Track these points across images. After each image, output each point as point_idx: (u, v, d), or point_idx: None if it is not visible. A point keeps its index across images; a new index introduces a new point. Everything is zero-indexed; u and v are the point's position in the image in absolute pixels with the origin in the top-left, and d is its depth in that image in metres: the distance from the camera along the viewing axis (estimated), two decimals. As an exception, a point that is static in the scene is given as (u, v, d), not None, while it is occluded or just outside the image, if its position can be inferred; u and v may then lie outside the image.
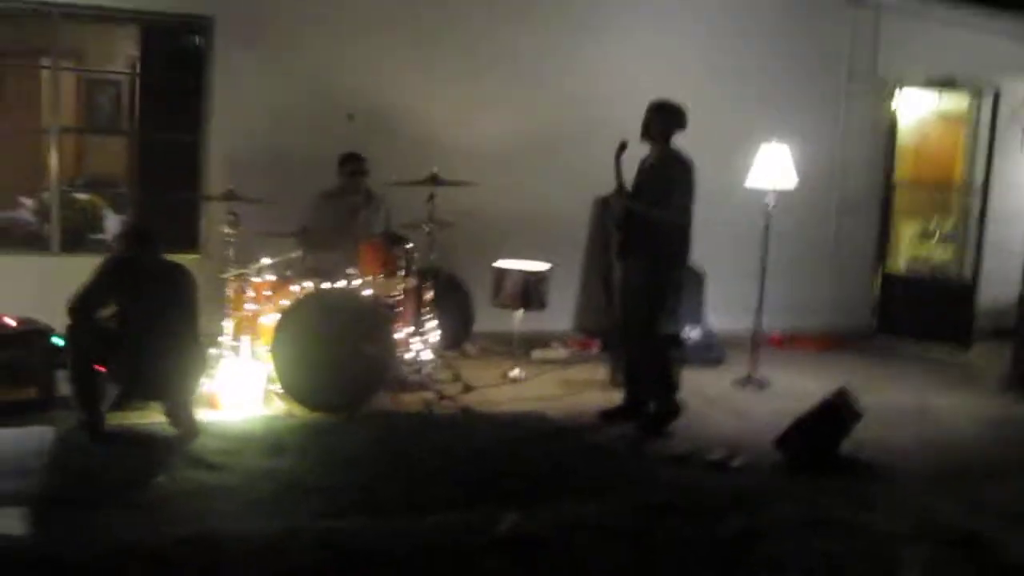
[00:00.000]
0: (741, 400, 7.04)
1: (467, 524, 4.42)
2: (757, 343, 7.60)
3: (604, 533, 4.43)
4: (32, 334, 5.88)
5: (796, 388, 7.19)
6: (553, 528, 4.41)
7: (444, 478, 5.14)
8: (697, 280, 8.42)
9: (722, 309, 8.44)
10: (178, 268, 5.63)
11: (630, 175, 6.17)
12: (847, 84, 9.38)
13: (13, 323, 5.93)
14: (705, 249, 8.02)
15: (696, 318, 8.36)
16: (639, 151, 6.18)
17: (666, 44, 8.64)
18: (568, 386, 7.18)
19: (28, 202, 8.38)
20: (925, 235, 10.14)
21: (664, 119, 6.12)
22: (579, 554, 4.23)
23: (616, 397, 6.50)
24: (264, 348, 6.15)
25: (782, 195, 7.51)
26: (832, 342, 9.18)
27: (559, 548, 4.26)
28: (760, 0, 8.98)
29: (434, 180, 6.70)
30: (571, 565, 4.16)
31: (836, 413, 5.79)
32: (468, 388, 6.80)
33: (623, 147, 6.07)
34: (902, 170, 9.79)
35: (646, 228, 6.04)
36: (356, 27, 7.84)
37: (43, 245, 7.57)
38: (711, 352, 8.19)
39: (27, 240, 7.84)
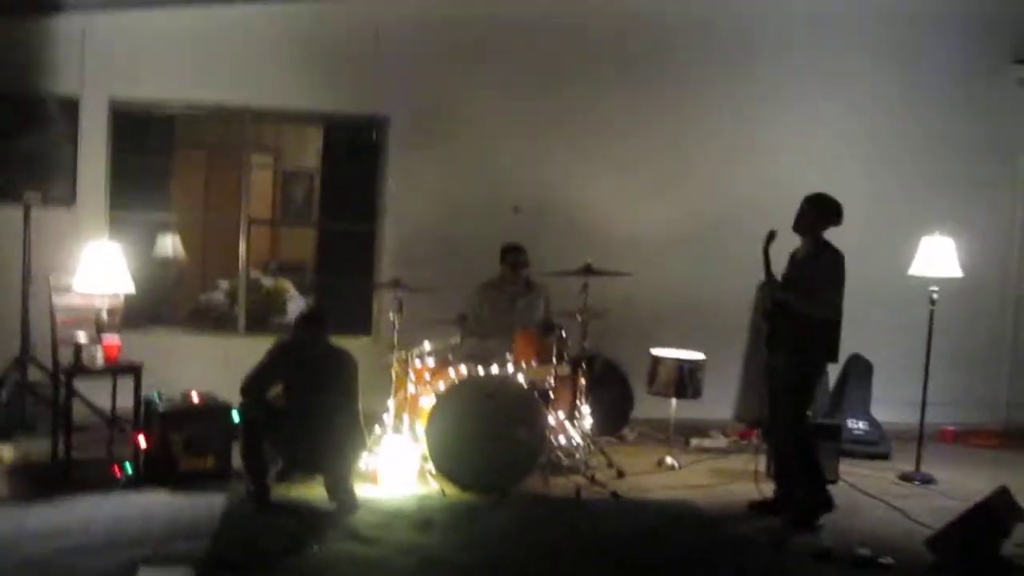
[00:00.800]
0: (900, 497, 6.83)
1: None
2: (923, 437, 7.38)
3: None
4: (214, 410, 6.39)
5: (963, 486, 6.92)
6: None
7: (585, 562, 5.26)
8: (866, 370, 8.29)
9: (893, 402, 8.22)
10: (341, 352, 6.03)
11: (779, 267, 6.21)
12: (1022, 169, 9.07)
13: (198, 399, 6.46)
14: (874, 340, 7.97)
15: (863, 410, 8.20)
16: (790, 242, 6.22)
17: (827, 131, 8.62)
18: (722, 476, 7.16)
19: (223, 285, 9.07)
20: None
21: (818, 213, 6.11)
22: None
23: (768, 491, 6.46)
24: (422, 429, 6.44)
25: (951, 285, 7.35)
26: (1009, 440, 8.78)
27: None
28: (929, 83, 8.82)
29: (588, 270, 6.92)
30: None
31: (995, 514, 5.57)
32: (620, 474, 6.89)
33: (771, 237, 6.11)
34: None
35: (794, 320, 6.04)
36: (520, 123, 8.24)
37: (230, 325, 8.22)
38: (878, 446, 8.00)
39: (217, 321, 8.50)
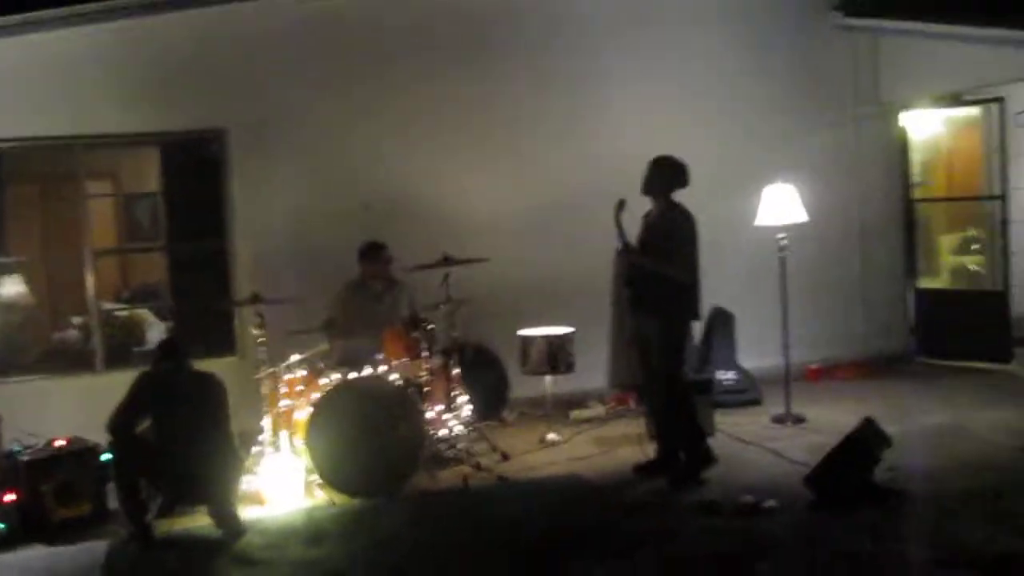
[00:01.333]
0: (776, 440, 7.07)
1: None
2: (788, 379, 7.65)
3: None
4: (82, 453, 6.16)
5: (832, 421, 7.17)
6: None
7: (479, 551, 5.29)
8: (727, 322, 8.52)
9: (756, 349, 8.49)
10: (207, 376, 5.90)
11: (633, 231, 6.33)
12: (853, 110, 9.44)
13: (64, 443, 6.22)
14: (733, 292, 8.18)
15: (730, 361, 8.44)
16: (641, 206, 6.34)
17: (666, 94, 8.78)
18: (605, 444, 7.29)
19: (76, 322, 8.74)
20: (962, 247, 10.14)
21: (665, 175, 6.27)
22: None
23: (651, 452, 6.60)
24: (301, 441, 6.35)
25: (800, 229, 7.61)
26: (870, 370, 9.18)
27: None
28: (756, 39, 9.08)
29: (446, 260, 6.92)
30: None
31: (862, 444, 5.83)
32: (505, 457, 6.95)
33: (621, 205, 6.23)
34: (928, 187, 9.85)
35: (654, 283, 6.18)
36: (361, 121, 8.13)
37: (88, 364, 7.91)
38: (747, 393, 8.26)
39: (75, 359, 8.18)
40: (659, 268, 6.14)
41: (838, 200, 9.14)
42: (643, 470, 6.44)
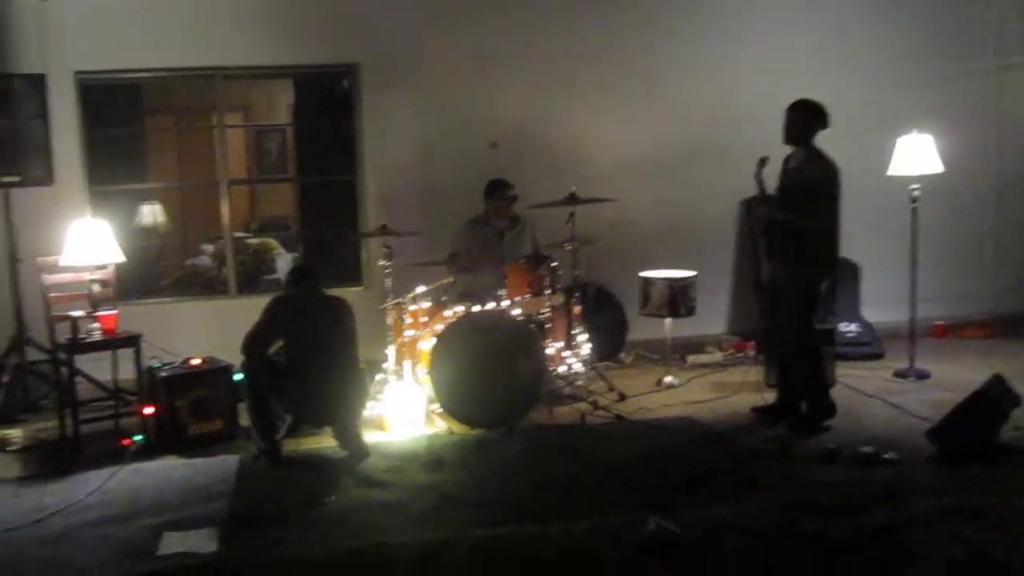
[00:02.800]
0: (898, 394, 6.96)
1: (615, 529, 4.62)
2: (914, 334, 7.50)
3: (748, 534, 4.55)
4: (216, 372, 6.44)
5: (956, 378, 7.05)
6: (698, 530, 4.56)
7: (594, 486, 5.36)
8: (852, 274, 8.39)
9: (881, 303, 8.35)
10: (337, 301, 6.08)
11: (773, 177, 6.23)
12: (996, 60, 9.08)
13: (199, 362, 6.50)
14: (859, 243, 8.02)
15: (853, 313, 8.32)
16: (781, 150, 6.24)
17: (799, 39, 8.59)
18: (721, 389, 7.28)
19: (209, 249, 9.07)
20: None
21: (805, 120, 6.11)
22: (722, 555, 4.38)
23: (770, 398, 6.59)
24: (424, 371, 6.52)
25: (933, 181, 7.40)
26: (999, 329, 8.92)
27: (703, 550, 4.42)
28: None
29: (573, 199, 6.95)
30: (715, 566, 4.31)
31: (990, 401, 5.70)
32: (622, 397, 7.00)
33: (763, 162, 6.12)
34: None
35: (791, 233, 6.08)
36: (491, 58, 8.19)
37: (221, 289, 8.24)
38: (870, 346, 8.13)
39: (208, 284, 8.51)
40: (799, 222, 6.02)
41: (975, 153, 8.85)
42: (761, 413, 6.44)
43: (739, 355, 8.20)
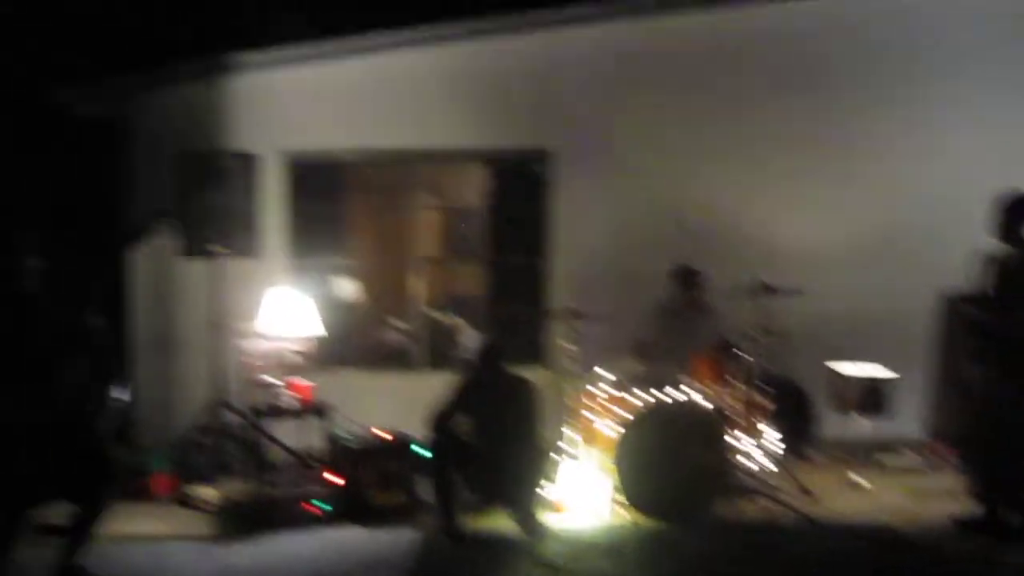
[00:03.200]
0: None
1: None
2: None
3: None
4: (401, 446, 6.54)
5: None
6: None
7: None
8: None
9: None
10: (523, 381, 6.10)
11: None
12: None
13: (385, 434, 6.62)
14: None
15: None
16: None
17: (1006, 125, 8.21)
18: (918, 495, 6.88)
19: (397, 324, 9.29)
20: None
21: (1014, 214, 5.78)
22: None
23: (972, 508, 6.17)
24: (604, 456, 6.44)
25: None
26: None
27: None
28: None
29: (765, 289, 6.80)
30: None
31: None
32: (810, 495, 6.71)
33: (983, 258, 5.79)
34: None
35: (1009, 336, 5.70)
36: (677, 143, 8.20)
37: (410, 363, 8.42)
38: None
39: (397, 359, 8.71)
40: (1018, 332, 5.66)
41: None
42: (965, 525, 6.03)
43: (936, 460, 7.74)
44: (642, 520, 6.20)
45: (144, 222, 6.30)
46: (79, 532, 5.13)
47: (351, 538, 5.97)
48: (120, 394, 7.80)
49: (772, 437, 7.00)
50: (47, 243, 5.15)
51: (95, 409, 5.54)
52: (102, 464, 5.19)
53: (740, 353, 6.81)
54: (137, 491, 6.75)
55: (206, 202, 7.19)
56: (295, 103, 8.05)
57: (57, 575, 5.10)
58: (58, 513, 5.17)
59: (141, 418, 7.95)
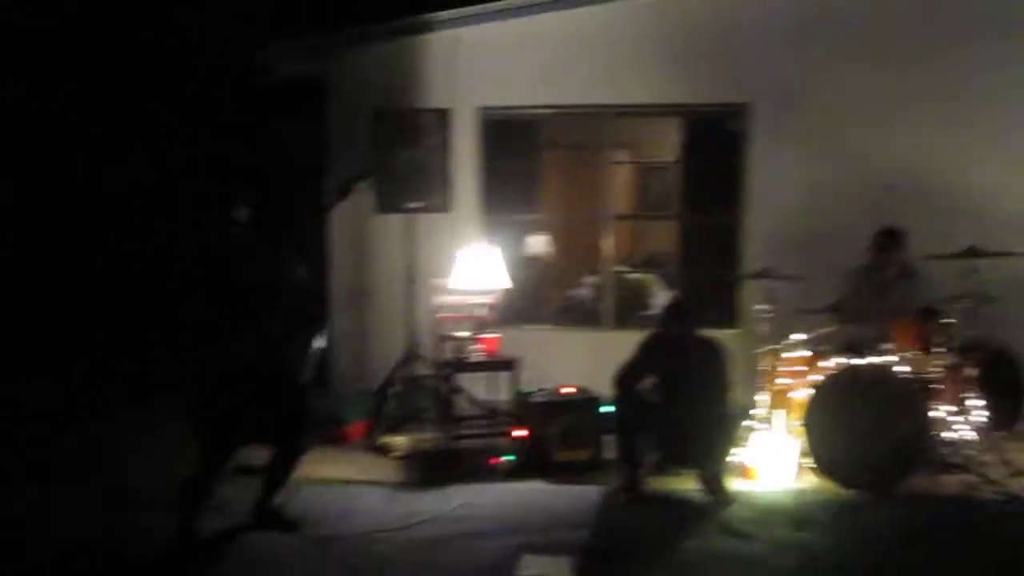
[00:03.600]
0: None
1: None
2: None
3: None
4: (586, 402, 6.53)
5: None
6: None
7: (974, 570, 4.85)
8: None
9: None
10: (712, 342, 5.97)
11: None
12: None
13: (571, 391, 6.62)
14: None
15: None
16: None
17: None
18: None
19: (589, 281, 9.27)
20: None
21: None
22: None
23: None
24: (796, 422, 6.24)
25: None
26: None
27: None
28: None
29: (974, 253, 6.38)
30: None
31: None
32: (1018, 473, 6.30)
33: None
34: None
35: None
36: (887, 99, 7.73)
37: (598, 321, 8.39)
38: None
39: (585, 316, 8.69)
40: None
41: None
42: None
43: None
44: (833, 488, 5.98)
45: (343, 182, 6.48)
46: (276, 474, 5.38)
47: (534, 492, 6.02)
48: (319, 343, 8.17)
49: (978, 407, 6.59)
50: (254, 198, 5.36)
51: (297, 356, 5.79)
52: (301, 409, 5.40)
53: (946, 318, 6.42)
54: (331, 437, 7.02)
55: (401, 159, 7.33)
56: (489, 59, 8.07)
57: (255, 515, 5.37)
58: (256, 455, 5.43)
59: (337, 367, 8.24)
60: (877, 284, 6.90)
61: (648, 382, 5.91)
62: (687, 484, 5.97)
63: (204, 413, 5.07)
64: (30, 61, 10.52)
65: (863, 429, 5.94)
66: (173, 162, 9.92)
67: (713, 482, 5.79)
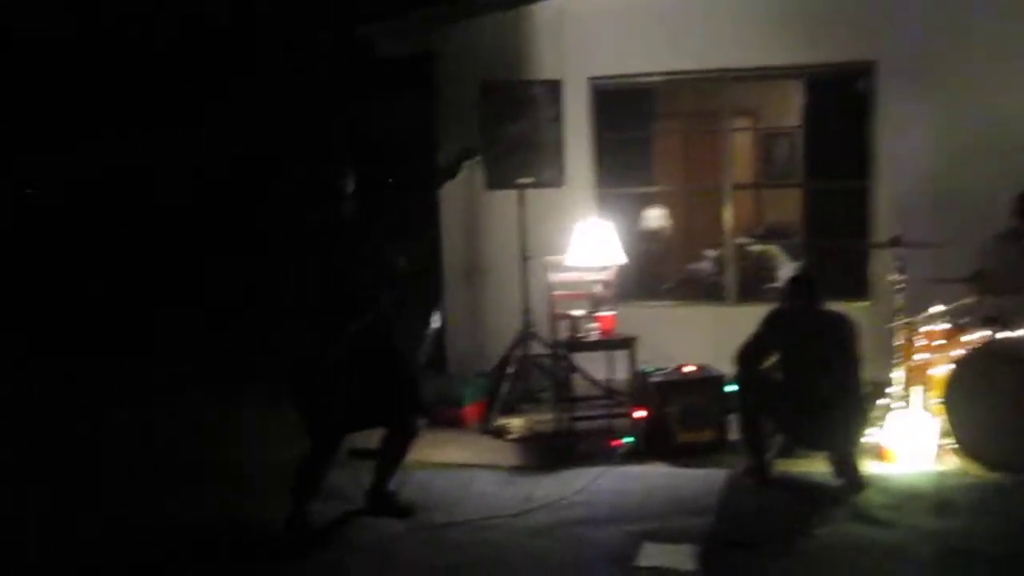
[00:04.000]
0: None
1: None
2: None
3: None
4: (709, 381, 6.27)
5: None
6: None
7: None
8: None
9: None
10: (839, 317, 5.62)
11: None
12: None
13: (692, 369, 6.36)
14: None
15: None
16: None
17: None
18: None
19: (711, 254, 8.95)
20: None
21: None
22: None
23: None
24: (936, 400, 5.86)
25: None
26: None
27: None
28: None
29: None
30: None
31: None
32: None
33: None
34: None
35: None
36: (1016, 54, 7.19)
37: (720, 295, 8.08)
38: None
39: (706, 290, 8.39)
40: None
41: None
42: None
43: None
44: (976, 470, 5.59)
45: (453, 160, 6.31)
46: (390, 457, 5.29)
47: (654, 476, 5.78)
48: (434, 323, 8.08)
49: None
50: (363, 177, 5.24)
51: (409, 336, 5.67)
52: (412, 390, 5.27)
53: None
54: (446, 419, 6.91)
55: (512, 132, 7.16)
56: (599, 28, 7.78)
57: (368, 500, 5.29)
58: (368, 438, 5.34)
59: (452, 347, 8.13)
60: (1019, 252, 6.42)
61: (774, 359, 5.61)
62: (817, 467, 5.65)
63: (312, 397, 4.97)
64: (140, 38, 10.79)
65: (1009, 407, 5.54)
66: (278, 137, 10.00)
67: (845, 465, 5.45)
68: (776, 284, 8.32)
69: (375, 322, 5.03)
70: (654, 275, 8.66)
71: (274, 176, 9.44)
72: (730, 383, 5.97)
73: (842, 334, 5.54)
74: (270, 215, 7.95)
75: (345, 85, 9.89)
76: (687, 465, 5.89)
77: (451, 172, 6.54)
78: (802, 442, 5.71)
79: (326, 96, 10.17)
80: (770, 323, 5.59)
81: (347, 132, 9.46)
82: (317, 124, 9.96)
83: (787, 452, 5.78)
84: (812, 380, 5.42)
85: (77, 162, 13.13)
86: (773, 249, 8.97)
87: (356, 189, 5.14)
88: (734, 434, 5.90)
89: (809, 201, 8.31)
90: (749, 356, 5.57)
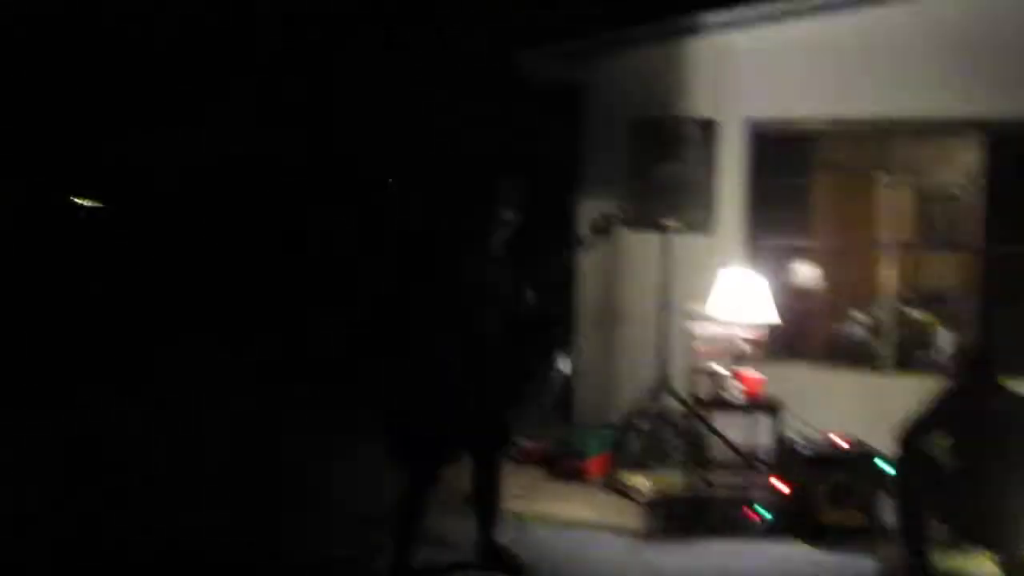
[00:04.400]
0: None
1: None
2: None
3: None
4: (861, 457, 5.68)
5: None
6: None
7: None
8: None
9: None
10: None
11: None
12: None
13: (842, 443, 5.78)
14: None
15: None
16: None
17: None
18: None
19: (860, 317, 8.32)
20: None
21: None
22: None
23: None
24: None
25: None
26: None
27: None
28: None
29: None
30: None
31: None
32: None
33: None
34: None
35: None
36: None
37: (873, 361, 7.44)
38: None
39: (856, 355, 7.75)
40: None
41: None
42: None
43: None
44: None
45: (603, 219, 5.87)
46: (485, 496, 4.96)
47: (793, 557, 5.29)
48: (562, 368, 7.67)
49: None
50: (507, 213, 4.94)
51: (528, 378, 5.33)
52: (501, 426, 4.98)
53: None
54: (567, 470, 6.49)
55: (661, 172, 6.78)
56: (758, 66, 7.30)
57: (478, 551, 4.93)
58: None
59: (579, 395, 7.69)
60: None
61: (940, 441, 5.00)
62: (983, 567, 5.03)
63: (403, 430, 4.65)
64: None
65: None
66: (421, 159, 9.82)
67: (1017, 567, 4.80)
68: (937, 355, 7.68)
69: (475, 348, 4.70)
70: (804, 336, 8.06)
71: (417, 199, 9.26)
72: (887, 461, 5.38)
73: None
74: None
75: (493, 112, 9.64)
76: (832, 550, 5.34)
77: (602, 231, 6.04)
78: (968, 537, 5.06)
79: (474, 120, 9.94)
80: (941, 400, 4.99)
81: (498, 157, 9.18)
82: (462, 147, 9.73)
83: (949, 547, 5.14)
84: (984, 468, 4.80)
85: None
86: (929, 316, 8.30)
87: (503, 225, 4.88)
88: (888, 520, 5.30)
89: (983, 267, 7.59)
90: (913, 435, 4.97)
